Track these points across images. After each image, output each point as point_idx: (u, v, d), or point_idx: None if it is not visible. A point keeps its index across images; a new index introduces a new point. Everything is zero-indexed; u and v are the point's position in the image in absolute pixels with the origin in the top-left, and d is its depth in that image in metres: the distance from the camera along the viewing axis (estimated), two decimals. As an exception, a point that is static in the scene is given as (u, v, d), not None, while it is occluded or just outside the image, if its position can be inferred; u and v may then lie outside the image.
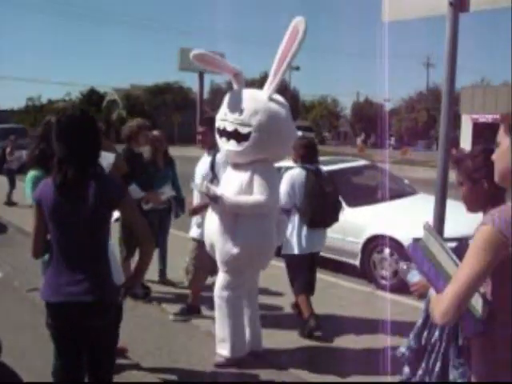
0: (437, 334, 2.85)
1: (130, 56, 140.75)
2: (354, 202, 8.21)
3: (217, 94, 62.18)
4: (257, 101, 4.78)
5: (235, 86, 5.02)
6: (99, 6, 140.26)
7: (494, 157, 2.17)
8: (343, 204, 7.27)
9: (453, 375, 2.71)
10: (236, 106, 4.79)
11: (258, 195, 4.69)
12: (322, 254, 6.33)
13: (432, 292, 2.30)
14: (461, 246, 2.60)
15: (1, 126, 27.65)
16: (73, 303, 3.07)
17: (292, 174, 5.76)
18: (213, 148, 5.58)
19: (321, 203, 5.60)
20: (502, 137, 2.14)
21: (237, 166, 4.92)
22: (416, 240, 2.34)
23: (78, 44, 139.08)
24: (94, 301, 3.07)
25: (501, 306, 2.11)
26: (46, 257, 3.52)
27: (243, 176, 4.78)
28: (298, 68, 52.79)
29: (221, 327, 4.94)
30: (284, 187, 5.63)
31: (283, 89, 60.05)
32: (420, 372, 2.92)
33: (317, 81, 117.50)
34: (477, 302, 2.13)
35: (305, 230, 5.66)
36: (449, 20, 3.79)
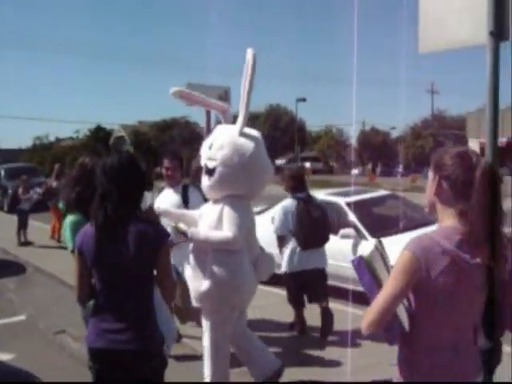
0: None
1: (137, 92, 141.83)
2: (377, 233, 8.14)
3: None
4: (225, 135, 4.73)
5: (223, 123, 5.03)
6: (103, 42, 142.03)
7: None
8: (366, 234, 7.94)
9: None
10: (208, 142, 4.82)
11: (226, 231, 4.55)
12: (347, 286, 6.57)
13: None
14: None
15: (12, 166, 27.68)
16: (115, 350, 3.08)
17: (284, 204, 6.62)
18: (179, 183, 6.04)
19: (310, 227, 6.39)
20: (430, 170, 2.53)
21: (213, 201, 4.85)
22: (361, 256, 2.53)
23: (83, 81, 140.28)
24: (137, 350, 3.07)
25: (423, 319, 2.40)
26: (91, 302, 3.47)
27: (215, 211, 4.69)
28: (304, 99, 53.17)
29: (205, 365, 4.86)
30: (278, 216, 6.54)
31: (290, 120, 60.87)
32: None
33: (322, 111, 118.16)
34: (403, 316, 2.42)
35: (298, 251, 6.49)
36: (490, 50, 3.74)
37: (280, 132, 59.55)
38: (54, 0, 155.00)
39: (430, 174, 2.51)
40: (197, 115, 68.89)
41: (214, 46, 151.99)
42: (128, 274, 3.09)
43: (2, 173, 25.04)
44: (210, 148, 4.72)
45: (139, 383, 3.15)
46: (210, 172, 4.67)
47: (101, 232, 3.07)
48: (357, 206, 6.91)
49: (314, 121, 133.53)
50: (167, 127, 60.88)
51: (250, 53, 4.66)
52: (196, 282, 4.67)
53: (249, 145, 4.71)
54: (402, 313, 2.41)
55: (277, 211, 6.63)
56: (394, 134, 65.38)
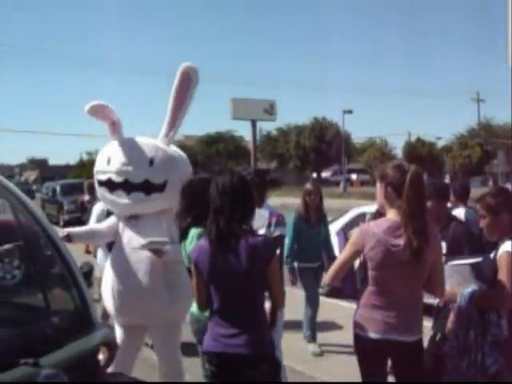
0: (472, 332, 3.55)
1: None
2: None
3: (268, 141, 63.20)
4: (164, 150, 4.64)
5: (112, 136, 4.72)
6: (149, 58, 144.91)
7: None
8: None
9: (487, 363, 3.51)
10: (142, 157, 4.56)
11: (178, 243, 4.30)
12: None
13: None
14: (487, 261, 3.69)
15: (66, 182, 28.74)
16: (230, 354, 3.26)
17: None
18: None
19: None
20: (377, 181, 3.50)
21: (136, 219, 4.64)
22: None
23: (128, 96, 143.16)
24: (251, 353, 3.26)
25: (366, 280, 3.41)
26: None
27: (156, 226, 4.56)
28: (350, 111, 53.14)
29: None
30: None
31: (335, 133, 60.85)
32: (464, 364, 3.56)
33: (365, 122, 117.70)
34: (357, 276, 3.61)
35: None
36: None
37: (325, 144, 59.61)
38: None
39: (378, 183, 3.49)
40: (242, 129, 69.67)
41: (258, 59, 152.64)
42: (241, 284, 3.26)
43: (58, 189, 25.79)
44: (150, 164, 4.52)
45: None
46: (156, 187, 4.53)
47: (214, 245, 3.25)
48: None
49: (357, 132, 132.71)
50: (213, 141, 61.70)
51: (193, 69, 4.64)
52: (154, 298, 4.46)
53: (185, 159, 4.91)
54: (357, 274, 3.57)
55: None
56: (440, 144, 64.69)
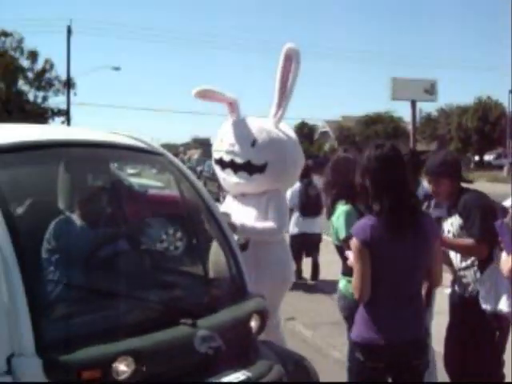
0: None
1: (341, 87, 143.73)
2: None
3: (428, 123, 61.12)
4: (269, 132, 4.70)
5: (231, 115, 4.87)
6: (316, 40, 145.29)
7: None
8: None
9: None
10: (246, 138, 4.69)
11: (271, 222, 4.59)
12: None
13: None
14: None
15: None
16: (405, 342, 3.13)
17: (293, 187, 8.13)
18: None
19: (307, 201, 8.89)
20: None
21: (243, 197, 4.81)
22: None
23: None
24: (423, 339, 3.25)
25: None
26: None
27: (257, 205, 4.67)
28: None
29: None
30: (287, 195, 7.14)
31: (500, 114, 57.42)
32: None
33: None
34: None
35: (300, 219, 9.03)
36: None
37: (489, 126, 56.46)
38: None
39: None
40: (402, 109, 67.89)
41: (419, 38, 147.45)
42: (413, 265, 3.13)
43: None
44: (252, 145, 4.63)
45: (414, 374, 3.23)
46: (258, 169, 4.63)
47: (390, 226, 3.06)
48: None
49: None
50: (371, 122, 60.83)
51: (294, 50, 4.65)
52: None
53: (293, 141, 4.91)
54: None
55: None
56: None
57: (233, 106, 4.83)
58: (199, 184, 3.75)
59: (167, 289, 3.40)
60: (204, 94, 4.82)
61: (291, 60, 4.69)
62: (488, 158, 60.73)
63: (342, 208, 3.93)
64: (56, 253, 3.09)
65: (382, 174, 3.09)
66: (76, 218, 3.33)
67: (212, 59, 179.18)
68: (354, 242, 3.12)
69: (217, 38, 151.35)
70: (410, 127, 46.88)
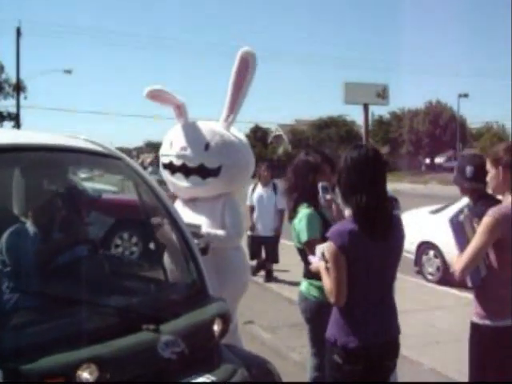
0: None
1: (294, 91, 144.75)
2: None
3: (381, 126, 62.07)
4: (222, 135, 4.66)
5: (178, 119, 4.82)
6: (267, 43, 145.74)
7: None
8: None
9: None
10: (198, 141, 4.63)
11: (230, 228, 4.57)
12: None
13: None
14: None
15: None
16: (382, 343, 3.15)
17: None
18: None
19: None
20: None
21: (194, 201, 4.75)
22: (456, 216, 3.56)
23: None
24: (396, 339, 3.24)
25: (497, 269, 3.38)
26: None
27: (211, 211, 4.62)
28: (466, 95, 51.25)
29: None
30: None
31: (450, 117, 58.85)
32: None
33: (481, 107, 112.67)
34: (481, 265, 3.39)
35: None
36: None
37: (440, 129, 57.73)
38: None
39: (491, 168, 3.46)
40: (354, 113, 68.77)
41: (370, 43, 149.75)
42: (389, 267, 3.19)
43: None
44: (205, 148, 4.58)
45: (384, 376, 3.26)
46: (211, 172, 4.59)
47: (367, 229, 3.04)
48: None
49: (472, 118, 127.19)
50: (325, 125, 61.43)
51: (250, 53, 4.63)
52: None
53: (246, 144, 4.91)
54: (481, 263, 3.42)
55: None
56: None
57: (180, 109, 4.76)
58: (158, 188, 3.70)
59: (128, 294, 3.35)
60: (155, 94, 4.70)
61: (247, 63, 4.65)
62: (439, 160, 62.09)
63: (303, 211, 3.93)
64: (9, 265, 3.05)
65: (357, 174, 3.09)
66: (30, 224, 3.28)
67: (160, 62, 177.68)
68: (330, 247, 3.07)
69: (164, 41, 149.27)
70: (362, 130, 47.30)
